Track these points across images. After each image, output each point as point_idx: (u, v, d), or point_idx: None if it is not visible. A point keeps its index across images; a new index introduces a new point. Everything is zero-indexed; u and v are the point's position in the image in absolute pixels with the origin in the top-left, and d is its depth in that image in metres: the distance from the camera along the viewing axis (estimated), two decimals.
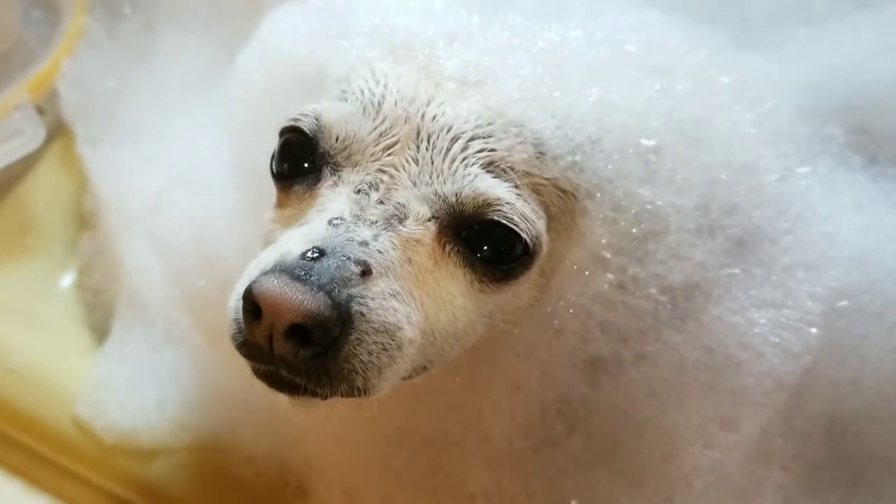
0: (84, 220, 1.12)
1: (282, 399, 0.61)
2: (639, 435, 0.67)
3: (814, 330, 0.64)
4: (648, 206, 0.62)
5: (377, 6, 0.73)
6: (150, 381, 0.92)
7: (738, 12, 0.87)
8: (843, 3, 0.87)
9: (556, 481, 0.69)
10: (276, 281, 0.55)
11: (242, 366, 0.62)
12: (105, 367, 0.96)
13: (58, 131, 1.16)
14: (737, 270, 0.65)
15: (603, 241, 0.63)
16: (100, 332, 1.02)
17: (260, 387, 0.62)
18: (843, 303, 0.67)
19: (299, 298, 0.54)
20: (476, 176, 0.60)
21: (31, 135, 1.10)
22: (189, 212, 0.93)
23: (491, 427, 0.69)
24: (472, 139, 0.61)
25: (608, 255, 0.63)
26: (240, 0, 1.13)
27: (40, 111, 1.13)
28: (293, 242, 0.59)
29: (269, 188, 0.71)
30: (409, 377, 0.64)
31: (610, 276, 0.63)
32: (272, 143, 0.69)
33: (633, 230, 0.63)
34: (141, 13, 1.20)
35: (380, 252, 0.58)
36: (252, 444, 0.85)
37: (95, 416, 0.89)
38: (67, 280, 1.08)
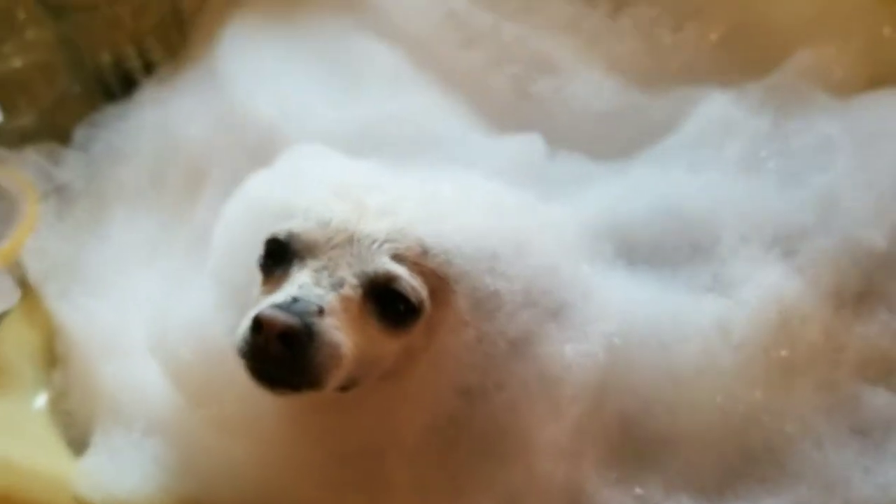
0: (54, 360, 1.33)
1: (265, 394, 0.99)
2: (503, 434, 1.08)
3: (600, 356, 1.10)
4: (491, 290, 1.03)
5: (326, 169, 1.20)
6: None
7: (543, 178, 1.39)
8: (607, 173, 1.42)
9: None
10: (272, 310, 0.97)
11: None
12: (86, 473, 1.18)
13: (24, 289, 1.35)
14: (553, 325, 1.11)
15: (465, 309, 1.03)
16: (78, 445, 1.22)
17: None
18: (618, 341, 1.14)
19: (284, 318, 0.95)
20: (385, 262, 1.04)
21: (7, 294, 1.34)
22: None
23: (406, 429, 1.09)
24: (384, 242, 1.05)
25: (469, 319, 1.03)
26: (181, 186, 1.48)
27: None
28: (280, 295, 1.01)
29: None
30: (345, 388, 1.05)
31: (472, 331, 1.03)
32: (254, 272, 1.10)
33: (484, 303, 1.04)
34: (91, 196, 1.50)
35: (328, 302, 1.00)
36: None
37: None
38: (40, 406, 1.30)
